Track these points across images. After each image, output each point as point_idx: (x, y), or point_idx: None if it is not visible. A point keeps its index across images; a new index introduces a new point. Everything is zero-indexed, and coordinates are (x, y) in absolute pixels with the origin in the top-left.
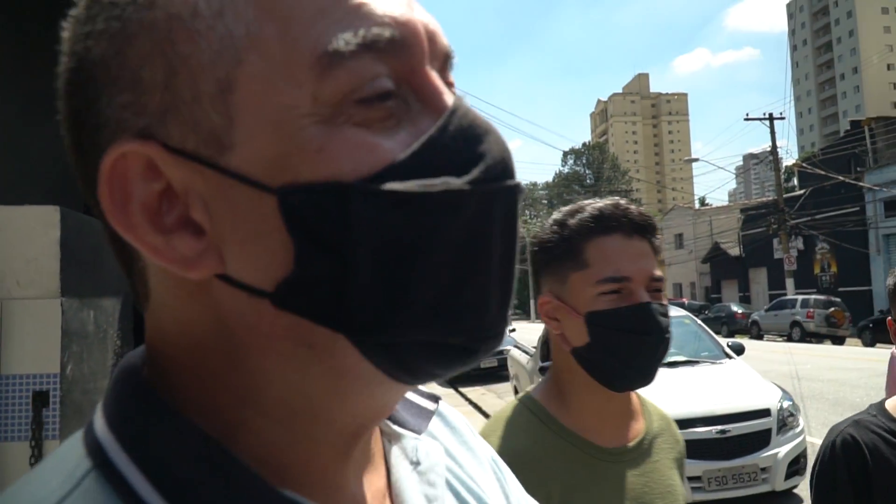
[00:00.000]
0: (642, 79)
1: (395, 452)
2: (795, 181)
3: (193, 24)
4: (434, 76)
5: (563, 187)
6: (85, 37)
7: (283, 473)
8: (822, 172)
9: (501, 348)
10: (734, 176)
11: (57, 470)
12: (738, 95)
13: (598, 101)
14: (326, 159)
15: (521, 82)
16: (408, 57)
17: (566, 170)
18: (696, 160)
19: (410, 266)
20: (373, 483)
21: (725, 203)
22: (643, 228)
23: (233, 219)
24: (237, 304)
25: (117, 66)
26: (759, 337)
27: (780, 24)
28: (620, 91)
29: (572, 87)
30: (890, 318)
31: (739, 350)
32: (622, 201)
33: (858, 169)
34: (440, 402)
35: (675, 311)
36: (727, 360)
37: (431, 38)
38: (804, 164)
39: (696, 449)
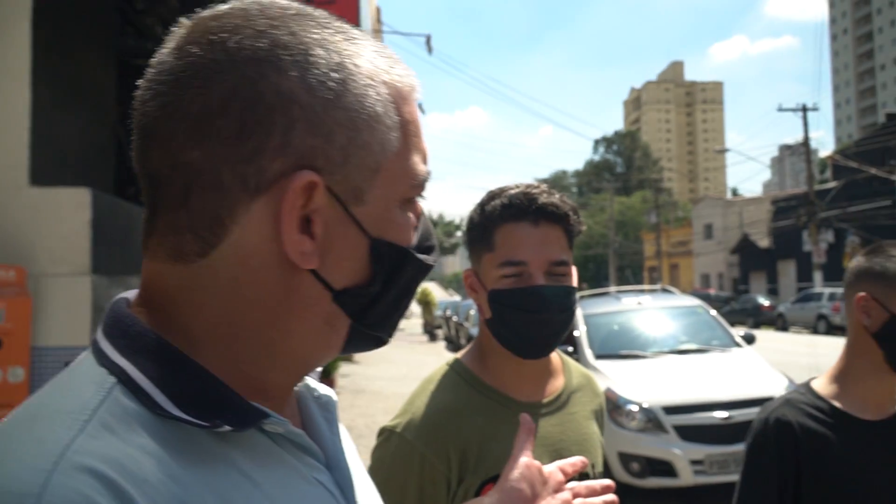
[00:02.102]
0: (677, 67)
1: (303, 391)
2: (829, 173)
3: (375, 124)
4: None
5: (593, 175)
6: (280, 70)
7: (262, 395)
8: (855, 165)
9: None
10: (767, 167)
11: (85, 383)
12: (775, 84)
13: (632, 88)
14: (402, 231)
15: (554, 69)
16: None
17: (597, 158)
18: (728, 150)
19: (404, 299)
20: (292, 408)
21: (759, 194)
22: (552, 216)
23: (340, 242)
24: (311, 291)
25: (318, 116)
26: (785, 329)
27: (821, 12)
28: (654, 79)
29: (605, 75)
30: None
31: (750, 340)
32: (537, 189)
33: (892, 162)
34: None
35: (686, 301)
36: (737, 348)
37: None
38: (837, 156)
39: (701, 433)
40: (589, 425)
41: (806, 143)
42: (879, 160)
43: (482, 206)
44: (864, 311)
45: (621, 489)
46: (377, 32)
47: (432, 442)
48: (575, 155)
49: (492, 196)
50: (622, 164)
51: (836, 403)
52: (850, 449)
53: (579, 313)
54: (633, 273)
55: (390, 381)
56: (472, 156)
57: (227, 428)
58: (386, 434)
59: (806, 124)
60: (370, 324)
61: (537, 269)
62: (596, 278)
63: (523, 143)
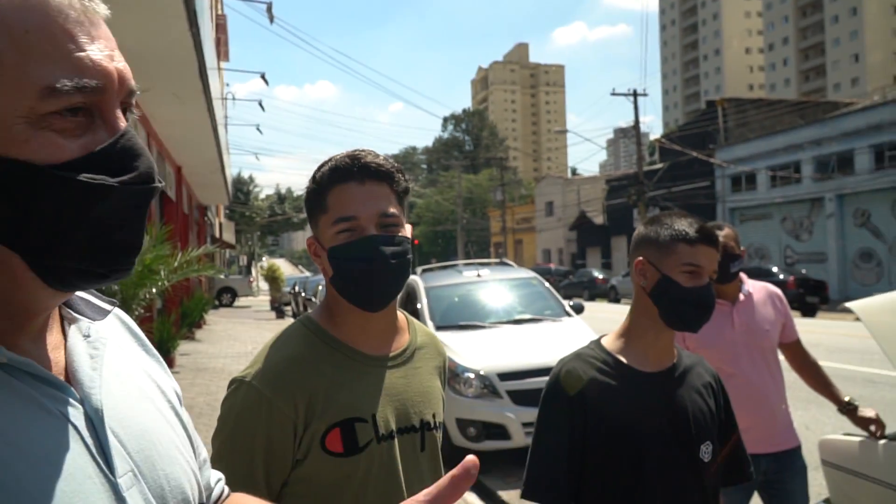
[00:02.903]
0: (522, 48)
1: (73, 329)
2: (657, 155)
3: None
4: (114, 108)
5: (443, 153)
6: None
7: None
8: (678, 148)
9: None
10: (603, 148)
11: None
12: (611, 70)
13: (479, 68)
14: (29, 148)
15: (404, 47)
16: (102, 94)
17: (446, 135)
18: (568, 132)
19: (67, 225)
20: (51, 345)
21: (596, 174)
22: (377, 174)
23: None
24: None
25: None
26: (617, 301)
27: (651, 2)
28: (501, 60)
29: (454, 54)
30: (641, 259)
31: (579, 309)
32: (362, 151)
33: (711, 146)
34: (116, 307)
35: (522, 273)
36: (567, 318)
37: (122, 80)
38: (663, 140)
39: (532, 396)
40: (431, 379)
41: (636, 126)
42: (701, 144)
43: (314, 175)
44: (641, 274)
45: (459, 453)
46: None
47: (279, 389)
48: (425, 132)
49: (322, 165)
50: (470, 142)
51: (620, 357)
52: (630, 397)
53: (421, 286)
54: (480, 249)
55: (234, 358)
56: (322, 130)
57: None
58: (236, 384)
59: (636, 109)
60: (28, 248)
61: (368, 221)
62: (444, 253)
63: (374, 118)
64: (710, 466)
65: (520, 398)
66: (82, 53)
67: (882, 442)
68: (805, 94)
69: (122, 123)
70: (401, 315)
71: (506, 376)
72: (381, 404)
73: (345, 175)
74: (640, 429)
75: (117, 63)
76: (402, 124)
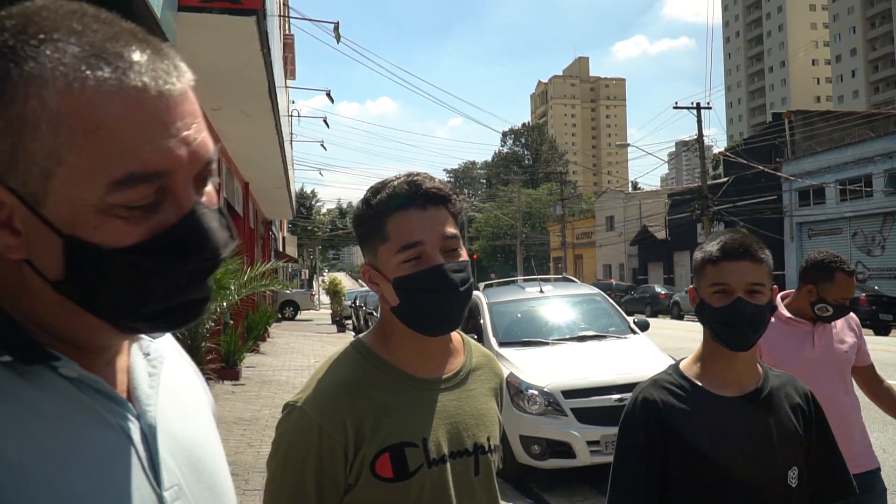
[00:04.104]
0: (582, 62)
1: (135, 348)
2: (721, 169)
3: (34, 132)
4: (184, 186)
5: (501, 167)
6: None
7: (70, 345)
8: (744, 161)
9: None
10: (665, 162)
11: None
12: (673, 83)
13: (539, 82)
14: (97, 234)
15: (462, 62)
16: (171, 177)
17: (505, 150)
18: (629, 145)
19: (135, 298)
20: (120, 365)
21: (657, 188)
22: (436, 199)
23: (40, 238)
24: (33, 279)
25: None
26: (680, 317)
27: (715, 15)
28: (561, 74)
29: (513, 69)
30: (692, 287)
31: (644, 326)
32: (419, 176)
33: (777, 159)
34: (169, 337)
35: (585, 289)
36: (632, 335)
37: (195, 158)
38: (728, 153)
39: (597, 415)
40: (487, 402)
41: (700, 139)
42: (766, 157)
43: (368, 201)
44: (692, 301)
45: (524, 470)
46: (284, 18)
47: (329, 414)
48: (483, 147)
49: (376, 190)
50: (529, 156)
51: (698, 382)
52: (711, 423)
53: (485, 302)
54: (539, 263)
55: (297, 371)
56: (382, 145)
57: (7, 357)
58: (288, 409)
59: (700, 122)
60: (104, 314)
61: (433, 247)
62: (503, 269)
63: (433, 133)
64: (797, 491)
65: (585, 416)
66: (152, 145)
67: None
68: (875, 106)
69: (190, 201)
70: (457, 335)
71: (570, 394)
72: (433, 428)
73: (406, 201)
74: (722, 455)
75: (192, 142)
76: (461, 139)
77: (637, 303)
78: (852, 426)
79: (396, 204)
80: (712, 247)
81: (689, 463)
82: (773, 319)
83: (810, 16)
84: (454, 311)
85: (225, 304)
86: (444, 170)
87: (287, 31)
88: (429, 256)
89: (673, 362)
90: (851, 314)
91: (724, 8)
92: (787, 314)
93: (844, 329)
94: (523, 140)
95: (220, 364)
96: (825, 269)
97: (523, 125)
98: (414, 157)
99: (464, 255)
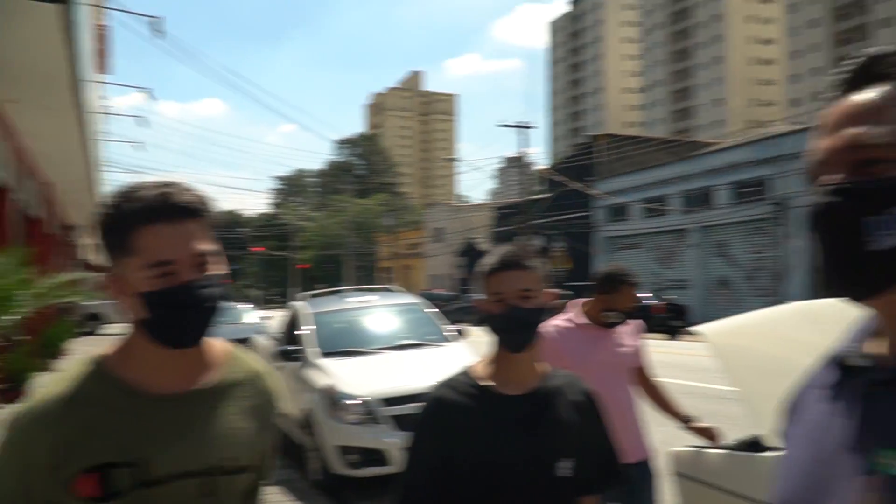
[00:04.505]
0: (416, 76)
1: None
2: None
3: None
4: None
5: (334, 176)
6: None
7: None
8: (562, 179)
9: (243, 336)
10: (491, 177)
11: None
12: (503, 100)
13: (373, 93)
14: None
15: (296, 68)
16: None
17: (338, 158)
18: (456, 160)
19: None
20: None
21: (486, 201)
22: (189, 212)
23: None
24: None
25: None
26: None
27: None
28: (395, 86)
29: (348, 78)
30: (477, 298)
31: (464, 334)
32: (172, 187)
33: (590, 178)
34: None
35: (407, 299)
36: (451, 343)
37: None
38: (548, 171)
39: (413, 421)
40: (238, 420)
41: (522, 157)
42: (582, 176)
43: (117, 207)
44: (478, 309)
45: (340, 480)
46: (100, 9)
47: (37, 429)
48: (315, 156)
49: (125, 198)
50: (362, 166)
51: (485, 382)
52: (493, 420)
53: (309, 311)
54: (368, 274)
55: None
56: (207, 150)
57: None
58: (8, 421)
59: (522, 141)
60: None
61: (184, 265)
62: (333, 278)
63: (263, 139)
64: (569, 481)
65: (401, 423)
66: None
67: (721, 452)
68: (675, 133)
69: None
70: (224, 348)
71: (388, 402)
72: (158, 446)
73: (156, 214)
74: (498, 451)
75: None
76: (292, 146)
77: (462, 312)
78: (629, 420)
79: (147, 217)
80: (489, 260)
81: (469, 460)
82: (570, 325)
83: (623, 48)
84: (199, 326)
85: (10, 318)
86: (274, 177)
87: (101, 22)
88: (178, 273)
89: (467, 365)
90: (638, 321)
91: (552, 33)
92: (583, 320)
93: (630, 334)
94: (356, 149)
95: (3, 385)
96: (612, 281)
97: (359, 134)
98: (241, 162)
99: (217, 269)
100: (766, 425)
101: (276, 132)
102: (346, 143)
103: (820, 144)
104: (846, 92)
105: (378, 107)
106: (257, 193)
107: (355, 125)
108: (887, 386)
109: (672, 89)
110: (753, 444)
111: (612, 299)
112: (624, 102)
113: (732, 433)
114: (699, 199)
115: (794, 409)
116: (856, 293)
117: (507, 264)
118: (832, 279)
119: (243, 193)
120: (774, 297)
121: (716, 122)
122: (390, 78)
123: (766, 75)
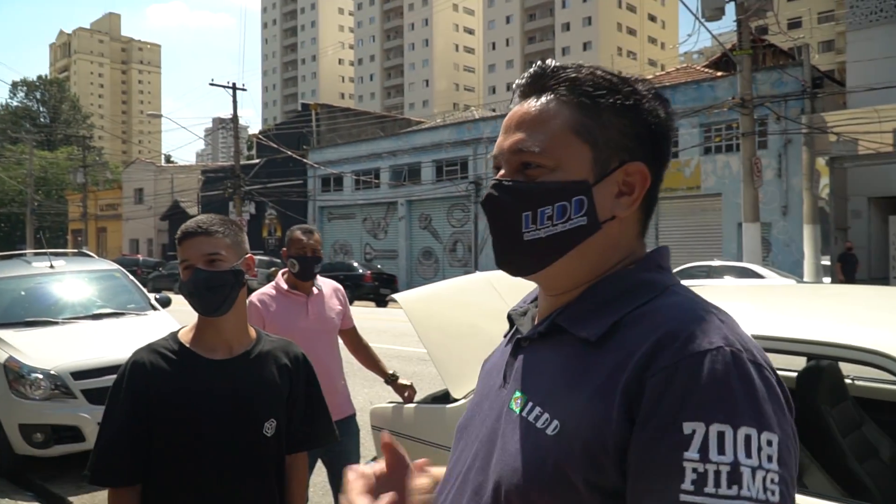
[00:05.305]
0: (114, 19)
1: None
2: (255, 150)
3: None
4: (195, 263)
5: (11, 123)
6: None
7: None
8: (275, 145)
9: None
10: (201, 137)
11: None
12: (213, 58)
13: (61, 31)
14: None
15: None
16: (192, 262)
17: (15, 103)
18: (163, 116)
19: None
20: None
21: (193, 163)
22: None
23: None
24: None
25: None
26: None
27: None
28: (88, 27)
29: (30, 11)
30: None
31: (166, 303)
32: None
33: (304, 147)
34: None
35: (104, 265)
36: (152, 311)
37: (204, 255)
38: (261, 136)
39: (103, 395)
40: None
41: (235, 119)
42: (296, 143)
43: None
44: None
45: (22, 461)
46: None
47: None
48: None
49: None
50: (46, 114)
51: (191, 347)
52: (195, 384)
53: None
54: (55, 236)
55: None
56: None
57: None
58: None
59: (235, 102)
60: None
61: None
62: (9, 240)
63: None
64: (273, 440)
65: (97, 397)
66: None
67: (413, 406)
68: (387, 109)
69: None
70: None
71: (81, 375)
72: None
73: (182, 235)
74: (201, 413)
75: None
76: None
77: (166, 279)
78: (336, 380)
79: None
80: (179, 231)
81: (170, 422)
82: (274, 292)
83: (339, 18)
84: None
85: None
86: None
87: None
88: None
89: (177, 329)
90: (338, 285)
91: None
92: (286, 287)
93: (333, 298)
94: (39, 95)
95: None
96: (287, 236)
97: (39, 77)
98: None
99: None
100: (451, 381)
101: None
102: (24, 86)
103: (498, 141)
104: (522, 97)
105: (66, 48)
106: None
107: (40, 67)
108: (531, 342)
109: (385, 66)
110: (441, 398)
111: (289, 252)
112: (339, 73)
113: (428, 390)
114: (408, 175)
115: (490, 355)
116: (515, 271)
117: (190, 232)
118: (498, 258)
119: None
120: (469, 268)
121: (425, 102)
122: (84, 18)
123: (468, 62)
